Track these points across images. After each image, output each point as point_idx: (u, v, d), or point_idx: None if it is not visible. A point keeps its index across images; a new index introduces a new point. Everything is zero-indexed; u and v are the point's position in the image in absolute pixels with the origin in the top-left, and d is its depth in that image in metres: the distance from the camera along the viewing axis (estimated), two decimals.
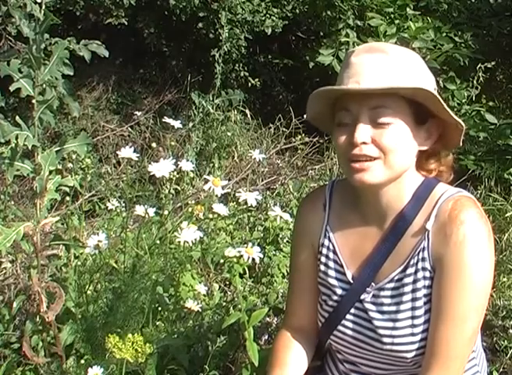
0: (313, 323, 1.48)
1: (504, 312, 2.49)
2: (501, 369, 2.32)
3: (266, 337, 2.27)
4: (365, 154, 1.26)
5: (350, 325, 1.39)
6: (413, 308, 1.32)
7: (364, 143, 1.25)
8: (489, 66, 4.11)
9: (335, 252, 1.42)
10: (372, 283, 1.37)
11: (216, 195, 3.35)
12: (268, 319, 2.43)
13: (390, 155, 1.26)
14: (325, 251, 1.43)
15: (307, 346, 1.49)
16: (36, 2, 1.61)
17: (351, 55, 1.30)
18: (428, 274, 1.31)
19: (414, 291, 1.32)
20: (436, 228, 1.30)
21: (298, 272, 1.51)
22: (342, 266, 1.41)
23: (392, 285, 1.34)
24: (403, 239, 1.34)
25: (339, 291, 1.41)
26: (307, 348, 1.49)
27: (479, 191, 3.73)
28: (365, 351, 1.38)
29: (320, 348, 1.53)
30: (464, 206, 1.29)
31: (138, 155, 1.42)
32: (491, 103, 4.51)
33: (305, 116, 1.39)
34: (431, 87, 1.30)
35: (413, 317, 1.32)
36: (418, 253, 1.31)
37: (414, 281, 1.32)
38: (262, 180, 4.01)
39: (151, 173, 1.43)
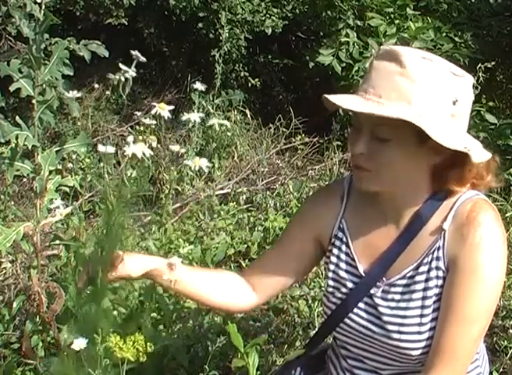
0: (261, 288, 1.51)
1: (504, 312, 2.49)
2: (501, 369, 2.32)
3: (266, 337, 2.28)
4: (361, 165, 1.30)
5: (358, 319, 1.40)
6: (422, 307, 1.33)
7: (362, 154, 1.28)
8: (489, 66, 4.10)
9: (347, 245, 1.43)
10: (383, 279, 1.37)
11: (214, 192, 3.34)
12: (267, 319, 2.43)
13: (383, 170, 1.28)
14: (338, 243, 1.45)
15: (242, 291, 1.51)
16: (36, 2, 1.61)
17: (376, 55, 1.31)
18: (441, 274, 1.32)
19: (425, 289, 1.33)
20: (453, 228, 1.31)
21: (283, 244, 1.53)
22: (354, 259, 1.42)
23: (403, 282, 1.36)
24: (418, 237, 1.35)
25: (349, 284, 1.42)
26: (243, 293, 1.51)
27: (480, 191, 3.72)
28: (371, 344, 1.39)
29: (319, 339, 1.54)
30: (482, 209, 1.31)
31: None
32: (491, 103, 4.49)
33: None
34: (446, 103, 1.25)
35: (421, 315, 1.33)
36: (433, 252, 1.32)
37: (427, 280, 1.33)
38: (262, 180, 4.00)
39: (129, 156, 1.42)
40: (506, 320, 2.46)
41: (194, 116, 1.40)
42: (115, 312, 1.77)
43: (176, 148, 1.47)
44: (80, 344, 1.30)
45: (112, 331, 1.26)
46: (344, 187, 1.47)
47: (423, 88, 1.24)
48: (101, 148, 1.39)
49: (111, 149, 1.41)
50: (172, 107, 1.44)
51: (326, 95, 1.29)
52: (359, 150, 1.28)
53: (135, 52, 1.40)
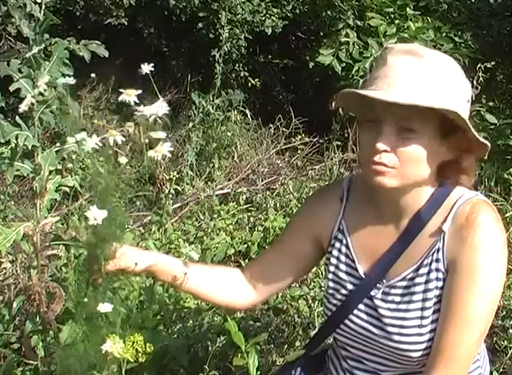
0: (261, 287, 1.52)
1: (504, 312, 2.49)
2: (501, 369, 2.32)
3: (266, 337, 2.28)
4: (384, 162, 1.26)
5: (358, 320, 1.39)
6: (422, 309, 1.32)
7: (385, 151, 1.25)
8: (489, 66, 4.10)
9: (347, 247, 1.43)
10: (383, 280, 1.37)
11: (214, 194, 3.34)
12: (267, 318, 2.43)
13: (408, 165, 1.26)
14: (337, 244, 1.44)
15: (242, 288, 1.52)
16: (36, 2, 1.61)
17: (388, 52, 1.29)
18: (440, 275, 1.31)
19: (425, 291, 1.33)
20: (453, 230, 1.31)
21: (282, 244, 1.53)
22: (353, 261, 1.42)
23: (403, 284, 1.35)
24: (418, 239, 1.34)
25: (349, 286, 1.41)
26: (243, 290, 1.52)
27: (479, 191, 3.72)
28: (372, 345, 1.39)
29: (319, 340, 1.54)
30: (481, 210, 1.30)
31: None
32: (491, 103, 4.49)
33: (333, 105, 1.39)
34: (464, 99, 1.28)
35: (421, 317, 1.32)
36: (433, 254, 1.32)
37: (426, 281, 1.33)
38: (262, 180, 4.01)
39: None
40: (506, 320, 2.46)
41: (146, 68, 1.40)
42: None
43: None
44: (105, 308, 1.30)
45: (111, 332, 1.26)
46: (343, 188, 1.46)
47: (447, 87, 1.26)
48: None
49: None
50: (139, 91, 1.43)
51: (354, 90, 1.27)
52: (383, 146, 1.24)
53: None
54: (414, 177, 1.29)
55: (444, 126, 1.26)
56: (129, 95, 1.37)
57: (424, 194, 1.34)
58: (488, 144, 1.29)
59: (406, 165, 1.26)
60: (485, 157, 1.31)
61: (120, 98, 1.37)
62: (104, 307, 1.29)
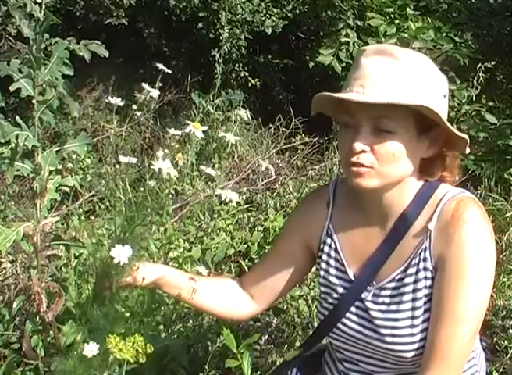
0: (260, 298, 1.53)
1: (504, 312, 2.49)
2: (501, 369, 2.31)
3: (266, 337, 2.28)
4: (362, 162, 1.27)
5: (350, 323, 1.39)
6: (413, 309, 1.32)
7: (363, 151, 1.26)
8: (489, 66, 4.10)
9: (336, 250, 1.43)
10: (374, 282, 1.37)
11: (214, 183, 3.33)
12: (267, 318, 2.43)
13: (386, 164, 1.27)
14: (326, 249, 1.44)
15: (245, 302, 1.54)
16: (36, 2, 1.61)
17: (362, 54, 1.29)
18: (429, 274, 1.31)
19: (414, 291, 1.32)
20: (439, 228, 1.30)
21: (277, 253, 1.54)
22: (343, 264, 1.41)
23: (393, 285, 1.35)
24: (405, 239, 1.34)
25: (339, 290, 1.41)
26: (243, 302, 1.54)
27: (479, 191, 3.73)
28: (365, 347, 1.39)
29: (315, 341, 1.54)
30: (467, 206, 1.30)
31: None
32: (491, 103, 4.50)
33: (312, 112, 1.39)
34: (440, 94, 1.29)
35: (412, 317, 1.32)
36: (420, 253, 1.32)
37: (415, 281, 1.32)
38: (262, 180, 4.01)
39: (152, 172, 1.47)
40: (506, 320, 2.46)
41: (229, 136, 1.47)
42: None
43: (209, 171, 1.54)
44: (91, 349, 1.28)
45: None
46: (329, 192, 1.47)
47: (421, 84, 1.26)
48: (122, 158, 1.44)
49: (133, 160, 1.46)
50: (205, 128, 1.48)
51: (325, 93, 1.29)
52: (361, 147, 1.25)
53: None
54: (393, 176, 1.29)
55: (420, 122, 1.27)
56: (197, 129, 1.44)
57: (409, 192, 1.34)
58: (466, 137, 1.29)
59: (384, 164, 1.26)
60: (466, 151, 1.32)
61: (187, 130, 1.44)
62: (90, 348, 1.27)
